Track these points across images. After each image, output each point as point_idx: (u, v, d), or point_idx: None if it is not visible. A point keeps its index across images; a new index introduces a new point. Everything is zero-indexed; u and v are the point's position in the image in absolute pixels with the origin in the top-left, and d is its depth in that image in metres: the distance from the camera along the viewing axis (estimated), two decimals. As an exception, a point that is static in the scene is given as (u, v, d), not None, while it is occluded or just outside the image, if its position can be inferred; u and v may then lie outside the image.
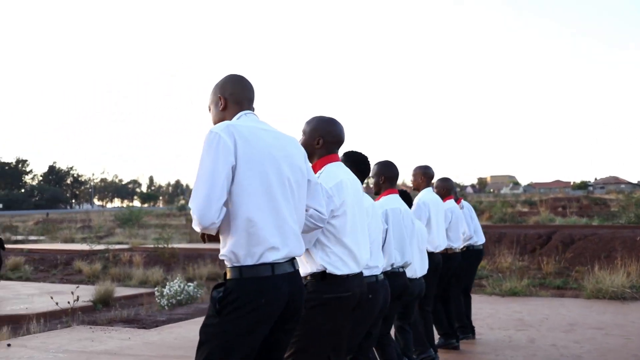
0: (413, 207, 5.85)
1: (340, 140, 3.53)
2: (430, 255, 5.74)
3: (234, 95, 2.84)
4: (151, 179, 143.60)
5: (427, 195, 6.13)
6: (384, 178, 4.82)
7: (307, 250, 3.22)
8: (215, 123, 2.84)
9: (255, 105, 2.90)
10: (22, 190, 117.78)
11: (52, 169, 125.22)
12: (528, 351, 6.59)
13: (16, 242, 31.15)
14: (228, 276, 2.61)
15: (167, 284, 13.13)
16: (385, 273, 4.46)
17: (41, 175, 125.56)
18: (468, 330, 7.15)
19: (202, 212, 2.47)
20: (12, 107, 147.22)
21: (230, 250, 2.57)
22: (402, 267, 4.72)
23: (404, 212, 4.79)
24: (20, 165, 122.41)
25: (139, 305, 13.53)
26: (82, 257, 23.06)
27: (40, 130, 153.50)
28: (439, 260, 6.01)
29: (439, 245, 6.06)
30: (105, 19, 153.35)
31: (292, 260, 2.73)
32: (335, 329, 3.23)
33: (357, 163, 4.09)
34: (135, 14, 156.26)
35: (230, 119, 2.77)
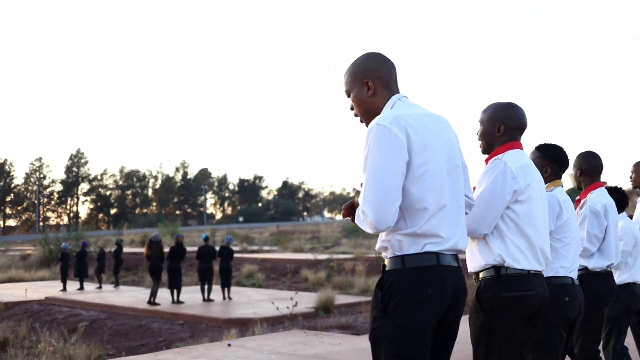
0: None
1: (522, 126, 3.20)
2: None
3: (382, 78, 2.56)
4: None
5: None
6: (585, 170, 4.32)
7: (481, 239, 2.96)
8: (365, 112, 2.60)
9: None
10: (260, 204, 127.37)
11: (285, 184, 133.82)
12: None
13: (252, 252, 33.57)
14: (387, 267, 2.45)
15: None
16: (597, 274, 4.11)
17: (276, 190, 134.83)
18: None
19: (378, 216, 2.29)
20: (248, 130, 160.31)
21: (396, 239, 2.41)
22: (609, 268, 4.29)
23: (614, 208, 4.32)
24: (257, 181, 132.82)
25: (357, 313, 13.81)
26: (309, 266, 24.24)
27: (274, 150, 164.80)
28: None
29: None
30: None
31: (456, 255, 2.50)
32: (515, 335, 2.90)
33: (555, 156, 3.76)
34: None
35: (382, 105, 2.54)
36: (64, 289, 19.92)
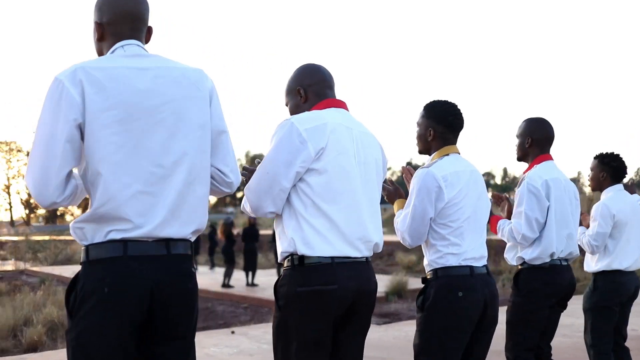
0: None
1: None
2: None
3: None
4: (505, 171, 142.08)
5: None
6: (532, 140, 3.62)
7: (280, 220, 2.44)
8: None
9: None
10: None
11: (408, 165, 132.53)
12: None
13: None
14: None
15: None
16: (541, 267, 3.43)
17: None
18: None
19: None
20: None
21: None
22: (567, 259, 3.54)
23: (566, 183, 3.59)
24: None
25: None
26: (405, 248, 23.55)
27: (396, 135, 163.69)
28: None
29: None
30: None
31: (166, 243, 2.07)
32: (315, 340, 2.32)
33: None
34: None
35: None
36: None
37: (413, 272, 18.34)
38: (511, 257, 3.59)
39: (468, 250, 2.90)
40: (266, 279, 16.36)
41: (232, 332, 7.23)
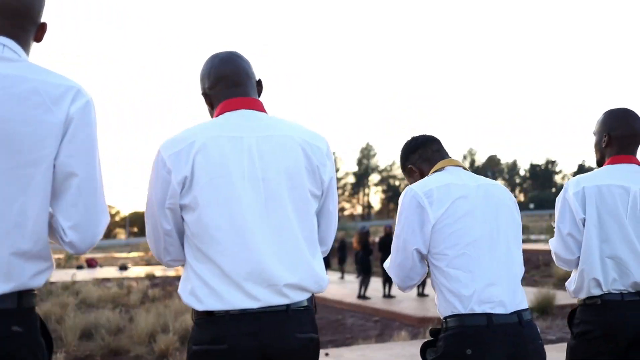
0: None
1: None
2: None
3: None
4: None
5: None
6: (609, 138, 2.82)
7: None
8: None
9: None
10: (553, 190, 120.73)
11: (581, 168, 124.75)
12: None
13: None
14: None
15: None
16: (592, 304, 2.68)
17: (571, 174, 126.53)
18: None
19: None
20: (537, 114, 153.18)
21: None
22: (624, 292, 2.66)
23: (623, 193, 2.71)
24: (550, 166, 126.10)
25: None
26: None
27: (567, 132, 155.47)
28: None
29: None
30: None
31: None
32: None
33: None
34: None
35: None
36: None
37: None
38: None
39: (481, 288, 2.22)
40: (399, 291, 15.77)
41: (326, 355, 6.84)
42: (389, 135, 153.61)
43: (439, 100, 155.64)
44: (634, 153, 2.83)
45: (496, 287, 2.24)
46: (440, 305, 2.31)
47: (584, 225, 2.69)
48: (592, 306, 2.67)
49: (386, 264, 2.42)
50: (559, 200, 2.81)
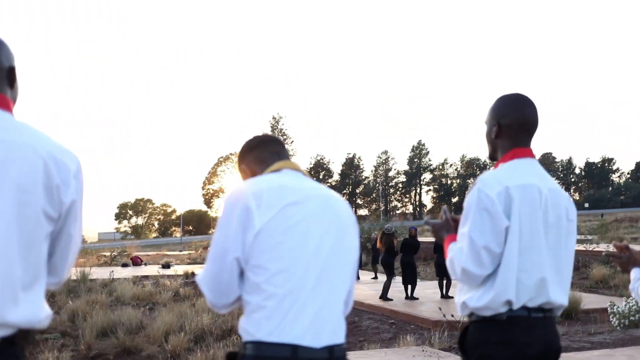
0: None
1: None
2: None
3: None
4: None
5: None
6: (499, 127, 2.50)
7: None
8: None
9: None
10: (609, 189, 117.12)
11: (638, 166, 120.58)
12: None
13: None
14: None
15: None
16: (491, 319, 2.33)
17: (628, 173, 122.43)
18: None
19: None
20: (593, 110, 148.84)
21: None
22: (543, 308, 2.38)
23: (549, 194, 2.40)
24: (606, 164, 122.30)
25: (600, 323, 11.49)
26: (602, 260, 21.06)
27: (626, 128, 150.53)
28: None
29: None
30: None
31: None
32: None
33: None
34: None
35: None
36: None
37: (600, 287, 16.38)
38: (458, 303, 2.44)
39: (294, 315, 1.88)
40: (425, 292, 15.52)
41: None
42: (442, 133, 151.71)
43: (449, 101, 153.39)
44: (529, 145, 2.49)
45: (313, 315, 1.91)
46: (244, 323, 1.94)
47: (506, 235, 2.28)
48: (494, 322, 2.32)
49: (198, 277, 2.04)
50: (471, 203, 2.33)
